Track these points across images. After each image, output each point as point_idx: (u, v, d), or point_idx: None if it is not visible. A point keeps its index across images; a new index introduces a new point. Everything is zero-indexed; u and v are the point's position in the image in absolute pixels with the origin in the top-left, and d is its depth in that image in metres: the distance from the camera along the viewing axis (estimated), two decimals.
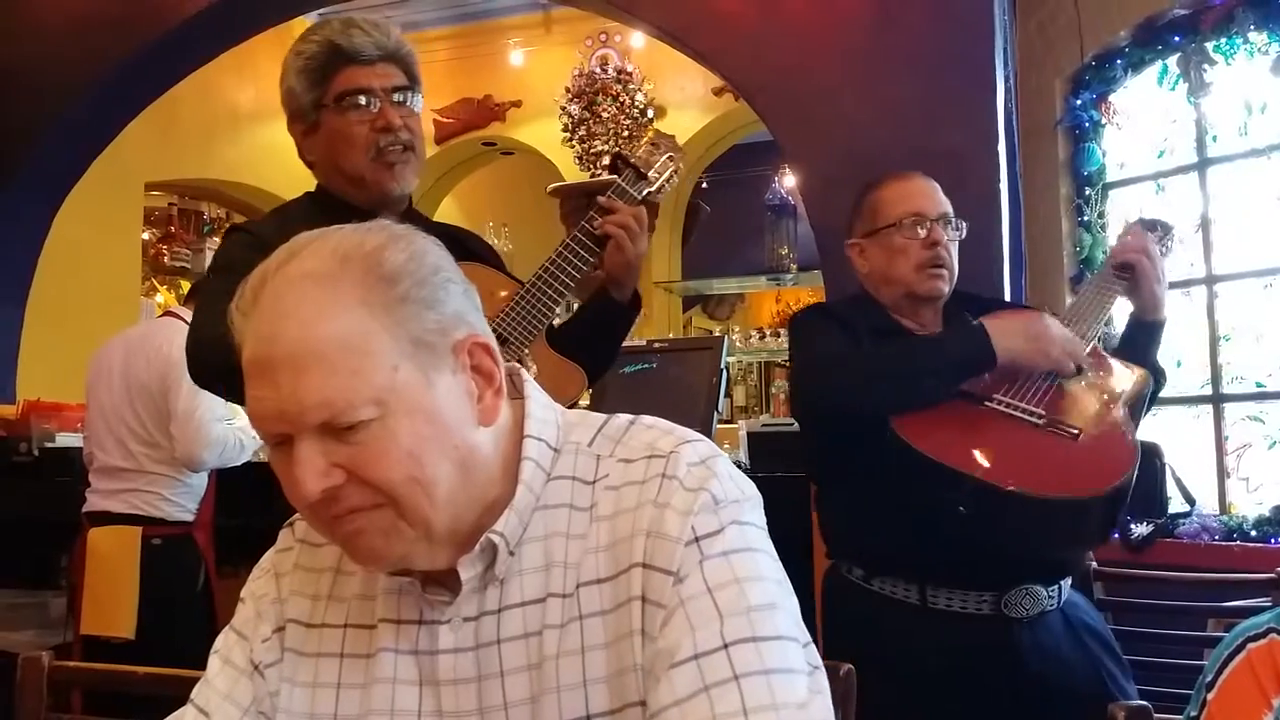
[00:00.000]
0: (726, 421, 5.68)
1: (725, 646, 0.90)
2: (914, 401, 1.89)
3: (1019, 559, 1.88)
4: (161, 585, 3.35)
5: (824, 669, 0.99)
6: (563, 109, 6.14)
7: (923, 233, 2.08)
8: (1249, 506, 3.30)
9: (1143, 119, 3.80)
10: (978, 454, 1.82)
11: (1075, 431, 1.86)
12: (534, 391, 1.06)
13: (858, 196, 2.23)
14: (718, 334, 6.99)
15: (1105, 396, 1.96)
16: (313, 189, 1.98)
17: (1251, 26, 3.45)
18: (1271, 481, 3.28)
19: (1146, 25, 3.68)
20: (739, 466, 4.34)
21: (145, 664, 1.61)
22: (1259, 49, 3.46)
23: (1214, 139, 3.61)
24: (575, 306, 2.19)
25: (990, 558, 1.85)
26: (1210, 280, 3.55)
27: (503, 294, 1.88)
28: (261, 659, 1.06)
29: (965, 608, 1.90)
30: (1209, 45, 3.57)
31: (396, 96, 1.86)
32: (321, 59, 1.86)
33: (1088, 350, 2.00)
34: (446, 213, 7.12)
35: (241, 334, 0.94)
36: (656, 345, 3.85)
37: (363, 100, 1.84)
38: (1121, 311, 2.22)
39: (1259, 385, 3.04)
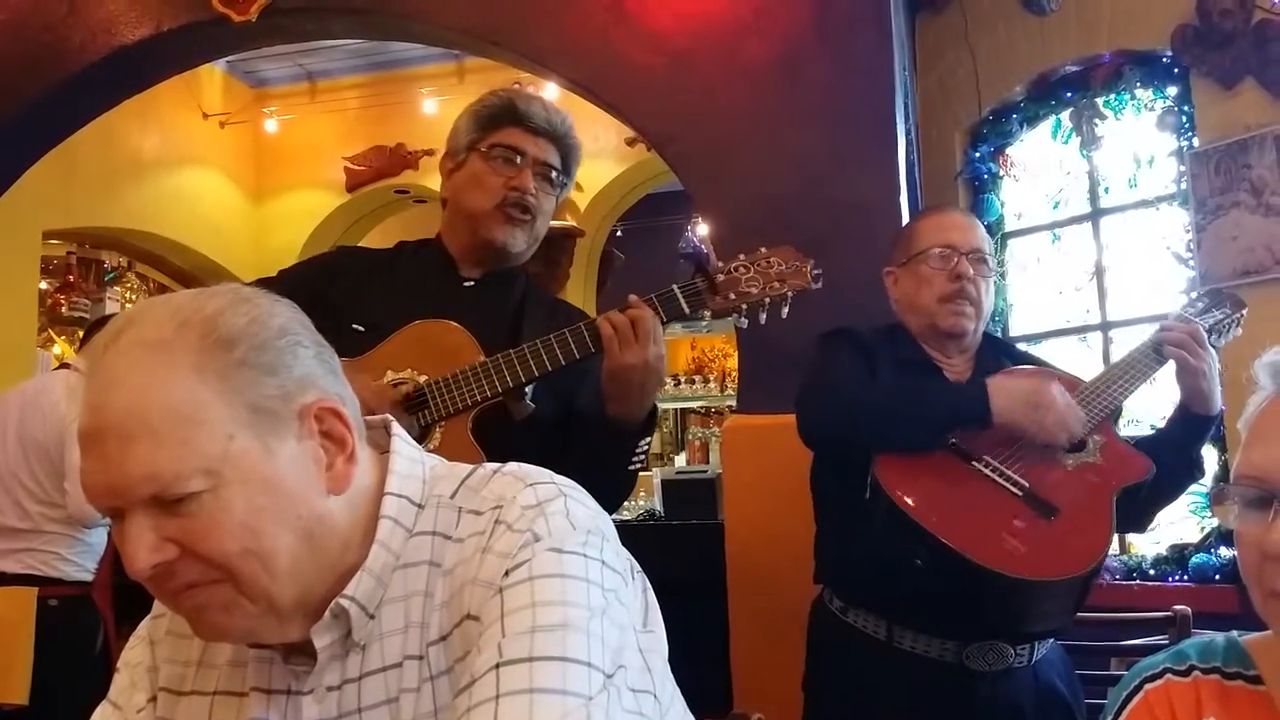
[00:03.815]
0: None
1: (496, 667, 0.86)
2: (899, 443, 1.88)
3: (973, 619, 1.87)
4: (58, 648, 3.22)
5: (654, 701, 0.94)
6: None
7: (950, 264, 2.08)
8: (1147, 546, 3.40)
9: (1038, 171, 3.95)
10: (945, 513, 1.81)
11: (1053, 510, 1.84)
12: (401, 445, 1.03)
13: (901, 228, 2.26)
14: None
15: (1096, 480, 1.91)
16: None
17: (1138, 83, 3.61)
18: (1168, 522, 3.38)
19: (1040, 81, 3.83)
20: (652, 515, 4.30)
21: None
22: (1145, 105, 3.63)
23: (1106, 190, 3.76)
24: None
25: (949, 611, 1.85)
26: (1105, 326, 3.68)
27: (463, 360, 1.79)
28: None
29: (928, 653, 1.90)
30: (1099, 101, 3.73)
31: (543, 170, 1.92)
32: (495, 110, 1.94)
33: (1100, 425, 1.94)
34: None
35: (79, 404, 0.91)
36: None
37: (511, 157, 1.91)
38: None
39: (1154, 428, 3.14)
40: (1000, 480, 1.87)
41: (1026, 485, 1.87)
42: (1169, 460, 1.98)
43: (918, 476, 1.86)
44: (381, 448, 1.03)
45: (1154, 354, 2.02)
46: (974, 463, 1.90)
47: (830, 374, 2.04)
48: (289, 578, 0.91)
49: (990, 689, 1.89)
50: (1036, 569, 1.79)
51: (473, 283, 1.95)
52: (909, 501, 1.81)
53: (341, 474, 0.95)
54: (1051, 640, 1.98)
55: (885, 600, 1.93)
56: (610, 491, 1.74)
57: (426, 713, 0.93)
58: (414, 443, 1.05)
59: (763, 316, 1.80)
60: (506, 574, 0.90)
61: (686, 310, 1.78)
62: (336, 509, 0.94)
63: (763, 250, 1.81)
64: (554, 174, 1.95)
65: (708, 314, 1.81)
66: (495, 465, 1.03)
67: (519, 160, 1.91)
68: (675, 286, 1.79)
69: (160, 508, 0.87)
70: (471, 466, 1.03)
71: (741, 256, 1.81)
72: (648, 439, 1.84)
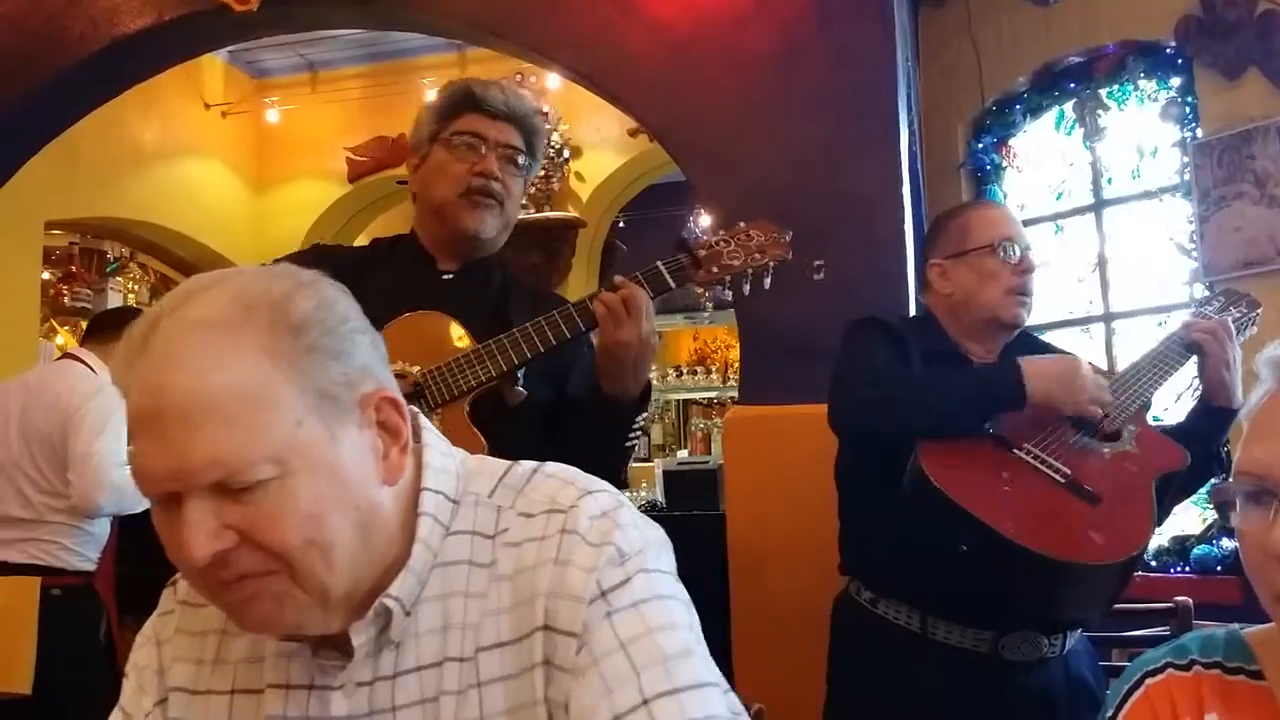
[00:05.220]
0: (643, 460, 5.68)
1: (645, 703, 0.86)
2: (939, 428, 1.88)
3: (1012, 607, 1.86)
4: (61, 638, 3.21)
5: (745, 715, 0.96)
6: None
7: (1016, 256, 2.08)
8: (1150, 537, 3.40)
9: (1041, 162, 3.93)
10: (990, 499, 1.80)
11: (1096, 496, 1.84)
12: (433, 439, 1.01)
13: (938, 220, 2.25)
14: None
15: (1135, 468, 1.91)
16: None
17: (1142, 74, 3.60)
18: (1170, 513, 3.38)
19: (1044, 72, 3.82)
20: (654, 506, 4.32)
21: None
22: (1149, 96, 3.62)
23: (1109, 181, 3.75)
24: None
25: (988, 599, 1.85)
26: (1108, 317, 3.67)
27: (454, 348, 1.81)
28: None
29: (963, 643, 1.90)
30: (1103, 92, 3.72)
31: (506, 154, 1.92)
32: (453, 99, 1.95)
33: (1134, 416, 1.95)
34: None
35: (125, 383, 0.87)
36: None
37: (474, 143, 1.90)
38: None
39: (1156, 419, 3.15)
40: (1042, 467, 1.88)
41: (1069, 472, 1.86)
42: (1191, 453, 1.98)
43: (961, 464, 1.85)
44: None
45: (1181, 347, 2.04)
46: (1015, 451, 1.89)
47: (863, 361, 2.03)
48: (345, 569, 0.89)
49: (1024, 679, 1.89)
50: (1082, 553, 1.79)
51: (451, 275, 1.95)
52: (955, 488, 1.80)
53: (396, 464, 0.94)
54: (1080, 631, 1.99)
55: (921, 590, 1.92)
56: (609, 469, 1.79)
57: (469, 717, 0.91)
58: (442, 436, 1.04)
59: (746, 288, 1.86)
60: (604, 596, 0.90)
61: (672, 284, 1.82)
62: (387, 500, 0.93)
63: (741, 225, 1.87)
64: (519, 156, 1.95)
65: (701, 290, 1.87)
66: (531, 464, 1.01)
67: (481, 146, 1.91)
68: (659, 263, 1.83)
69: (223, 494, 0.84)
70: (506, 463, 1.02)
71: (721, 231, 1.87)
72: (643, 414, 1.88)
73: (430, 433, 1.01)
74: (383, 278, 1.91)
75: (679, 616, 0.92)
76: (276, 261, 2.11)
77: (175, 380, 0.84)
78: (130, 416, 0.87)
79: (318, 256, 2.05)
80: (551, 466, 1.01)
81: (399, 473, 0.94)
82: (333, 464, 0.88)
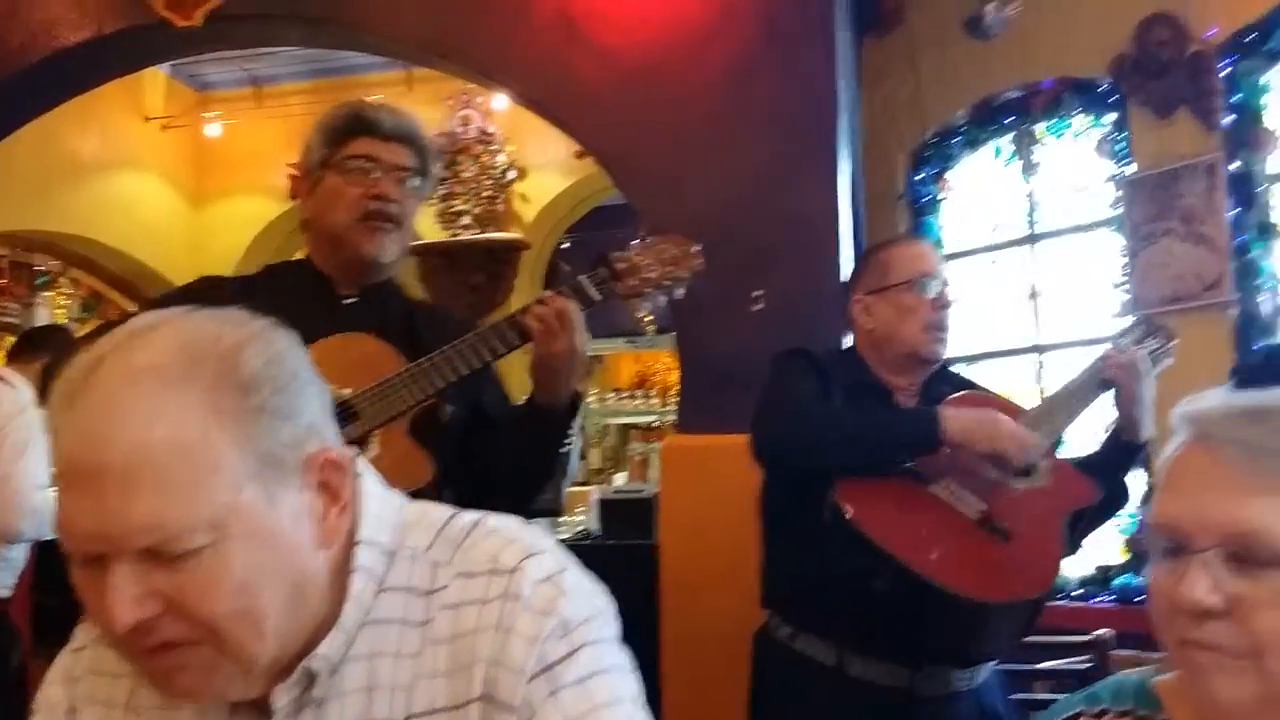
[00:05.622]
0: (581, 484, 5.64)
1: None
2: (857, 466, 1.90)
3: (926, 641, 1.89)
4: None
5: None
6: None
7: (934, 292, 2.10)
8: (1073, 566, 3.44)
9: (978, 194, 4.00)
10: (904, 535, 1.83)
11: (1008, 534, 1.88)
12: (370, 484, 0.96)
13: (864, 255, 2.28)
14: None
15: (1048, 504, 1.94)
16: None
17: (1077, 110, 3.68)
18: (1093, 542, 3.43)
19: (982, 105, 3.88)
20: (588, 535, 4.26)
21: None
22: (1083, 131, 3.70)
23: (1041, 216, 3.83)
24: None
25: (902, 634, 1.87)
26: (1038, 349, 3.73)
27: (385, 369, 1.80)
28: None
29: (878, 679, 1.91)
30: (1039, 127, 3.79)
31: (400, 175, 1.90)
32: (341, 123, 1.92)
33: (1047, 451, 1.98)
34: None
35: (59, 424, 0.81)
36: None
37: (367, 167, 1.88)
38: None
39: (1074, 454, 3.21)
40: (957, 504, 1.91)
41: (983, 509, 1.90)
42: (1100, 484, 2.02)
43: (877, 499, 1.88)
44: None
45: (1096, 381, 2.07)
46: (931, 487, 1.92)
47: (787, 394, 2.06)
48: (274, 637, 0.85)
49: (939, 714, 1.92)
50: (994, 591, 1.83)
51: (354, 299, 1.94)
52: (870, 524, 1.83)
53: (333, 528, 0.89)
54: (992, 664, 2.01)
55: (838, 625, 1.94)
56: (545, 477, 1.89)
57: None
58: (380, 478, 0.99)
59: (662, 299, 1.92)
60: (548, 670, 0.87)
61: (596, 296, 1.86)
62: (321, 562, 0.89)
63: (654, 239, 1.93)
64: (413, 177, 1.94)
65: (625, 299, 1.90)
66: (472, 516, 0.97)
67: (375, 169, 1.89)
68: (582, 277, 1.87)
69: (152, 560, 0.79)
70: (446, 514, 0.98)
71: (635, 244, 1.93)
72: (576, 419, 1.92)
73: (368, 478, 0.96)
74: (281, 304, 1.87)
75: (623, 690, 0.89)
76: (165, 296, 2.03)
77: (117, 434, 0.79)
78: (62, 464, 0.82)
79: (204, 288, 1.99)
80: (494, 520, 0.97)
81: (335, 536, 0.90)
82: (270, 530, 0.83)
